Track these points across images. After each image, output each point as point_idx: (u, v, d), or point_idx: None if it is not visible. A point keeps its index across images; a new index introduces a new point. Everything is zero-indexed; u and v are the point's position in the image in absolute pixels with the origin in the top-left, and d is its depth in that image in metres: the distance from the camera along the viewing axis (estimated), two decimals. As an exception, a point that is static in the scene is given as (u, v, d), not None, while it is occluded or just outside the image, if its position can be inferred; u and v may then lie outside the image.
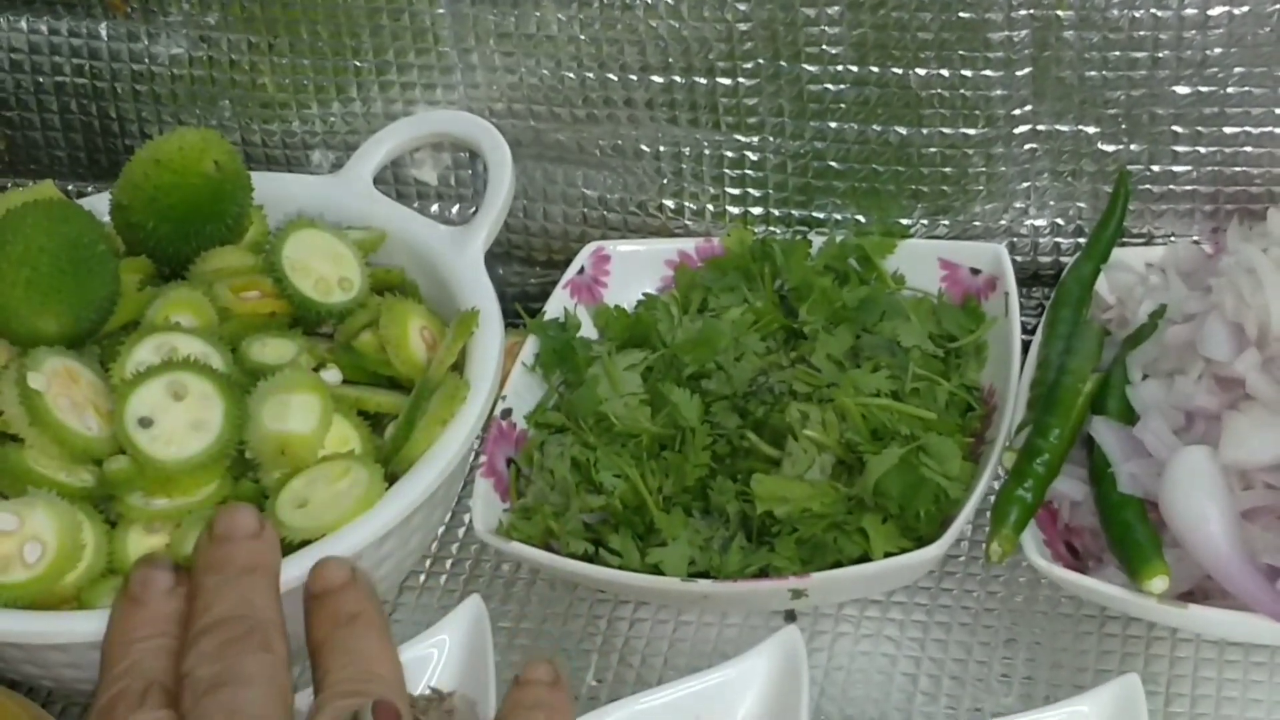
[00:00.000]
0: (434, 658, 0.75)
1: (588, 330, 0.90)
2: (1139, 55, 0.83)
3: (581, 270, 0.92)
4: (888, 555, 0.76)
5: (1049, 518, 0.77)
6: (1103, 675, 0.75)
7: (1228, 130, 0.84)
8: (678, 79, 0.90)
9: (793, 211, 0.93)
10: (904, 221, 0.91)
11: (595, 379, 0.84)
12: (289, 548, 0.71)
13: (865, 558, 0.77)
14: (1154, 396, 0.76)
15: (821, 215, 0.93)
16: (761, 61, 0.88)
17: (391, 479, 0.75)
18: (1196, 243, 0.87)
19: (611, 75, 0.90)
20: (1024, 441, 0.77)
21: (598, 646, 0.82)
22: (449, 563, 0.87)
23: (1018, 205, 0.90)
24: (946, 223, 0.91)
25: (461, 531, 0.87)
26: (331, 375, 0.80)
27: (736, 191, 0.93)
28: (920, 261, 0.90)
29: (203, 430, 0.73)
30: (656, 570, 0.78)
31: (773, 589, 0.76)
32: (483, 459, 0.83)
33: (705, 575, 0.78)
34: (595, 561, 0.79)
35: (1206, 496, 0.70)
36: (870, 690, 0.77)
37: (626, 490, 0.80)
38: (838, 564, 0.77)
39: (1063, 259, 0.90)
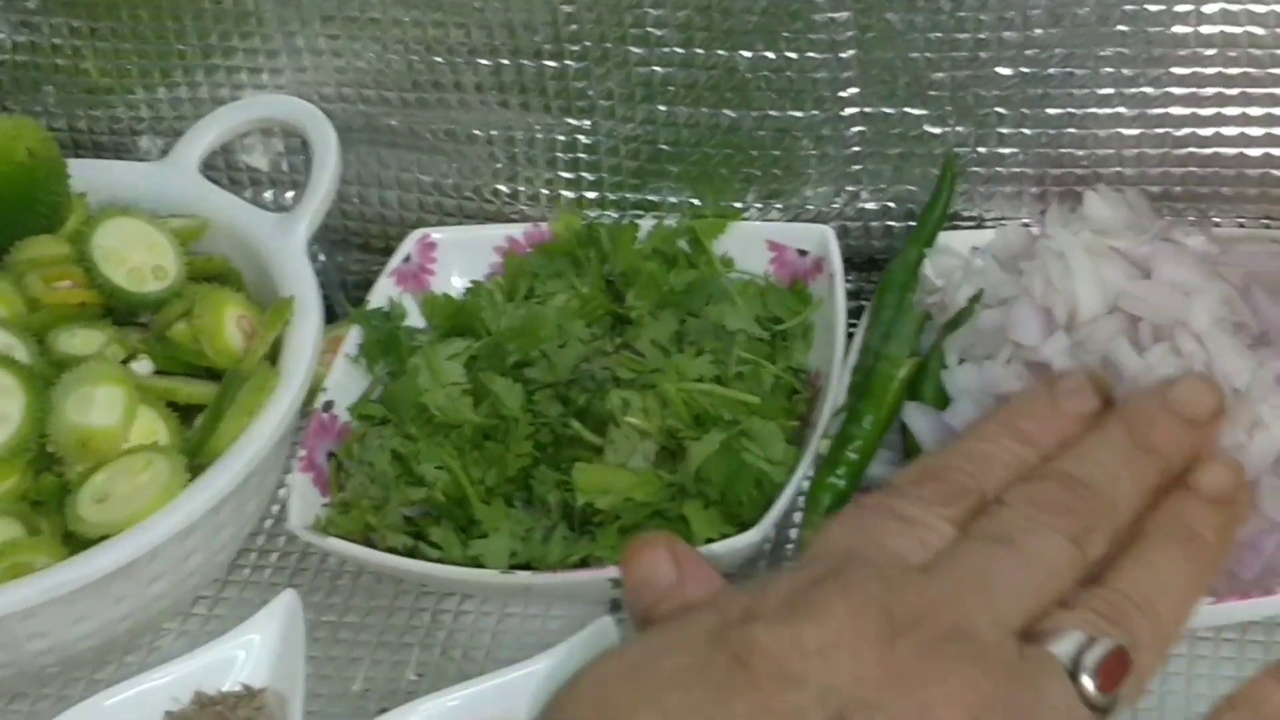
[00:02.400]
0: (246, 653, 0.75)
1: (416, 319, 0.89)
2: (961, 37, 0.82)
3: (408, 258, 0.90)
4: (709, 542, 0.75)
5: (868, 504, 0.76)
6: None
7: (1051, 111, 0.84)
8: (505, 62, 0.88)
9: (627, 195, 0.92)
10: (738, 205, 0.91)
11: (416, 369, 0.82)
12: (87, 542, 0.69)
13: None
14: (967, 381, 0.75)
15: (656, 198, 0.92)
16: (588, 44, 0.87)
17: (200, 472, 0.73)
18: (1026, 225, 0.87)
19: (438, 59, 0.89)
20: (838, 428, 0.77)
21: (420, 640, 0.81)
22: (274, 556, 0.86)
23: (849, 188, 0.89)
24: (780, 206, 0.91)
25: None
26: (142, 366, 0.79)
27: (570, 175, 0.92)
28: (749, 244, 0.89)
29: (2, 423, 0.72)
30: (477, 563, 0.77)
31: (593, 579, 0.75)
32: (302, 453, 0.81)
33: (527, 567, 0.77)
34: (415, 555, 0.78)
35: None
36: (692, 679, 0.77)
37: (448, 482, 0.79)
38: (659, 552, 0.76)
39: (896, 243, 0.90)
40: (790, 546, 0.81)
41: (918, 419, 0.75)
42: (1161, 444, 0.56)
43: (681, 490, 0.77)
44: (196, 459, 0.74)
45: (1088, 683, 0.48)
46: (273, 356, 0.80)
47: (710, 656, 0.46)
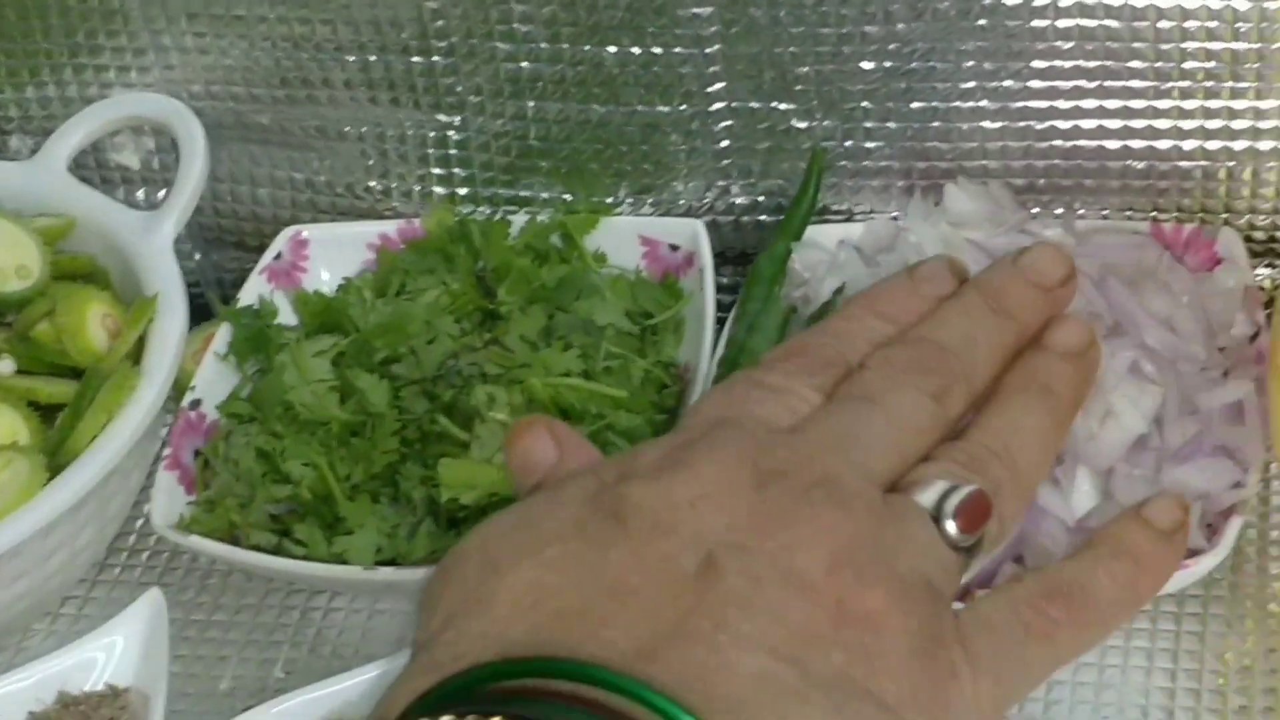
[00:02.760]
0: (109, 653, 0.74)
1: (288, 317, 0.89)
2: (825, 31, 0.83)
3: (279, 256, 0.90)
4: (574, 537, 0.76)
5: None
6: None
7: (915, 105, 0.84)
8: (373, 59, 0.88)
9: (499, 191, 0.92)
10: (609, 200, 0.91)
11: (283, 367, 0.82)
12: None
13: (552, 540, 0.76)
14: (827, 373, 0.75)
15: (528, 194, 0.92)
16: (455, 40, 0.87)
17: (60, 471, 0.73)
18: (895, 218, 0.87)
19: (306, 55, 0.89)
20: (701, 421, 0.77)
21: (289, 638, 0.80)
22: (144, 555, 0.85)
23: (719, 183, 0.90)
24: (651, 201, 0.91)
25: (157, 524, 0.85)
26: (4, 366, 0.78)
27: (441, 172, 0.92)
28: (621, 239, 0.89)
29: None
30: (342, 559, 0.77)
31: (455, 575, 0.75)
32: (167, 451, 0.81)
33: (393, 563, 0.77)
34: (280, 553, 0.77)
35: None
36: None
37: (313, 479, 0.79)
38: (524, 547, 0.76)
39: (767, 236, 0.90)
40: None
41: (778, 411, 0.75)
42: (1015, 308, 0.57)
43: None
44: (56, 458, 0.74)
45: (950, 525, 0.50)
46: (139, 355, 0.80)
47: (587, 513, 0.48)
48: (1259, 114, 0.81)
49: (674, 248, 0.88)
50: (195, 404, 0.83)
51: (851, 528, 0.48)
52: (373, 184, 0.93)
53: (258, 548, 0.77)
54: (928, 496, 0.50)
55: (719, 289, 0.86)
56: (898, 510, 0.50)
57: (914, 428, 0.53)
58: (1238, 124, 0.82)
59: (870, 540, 0.48)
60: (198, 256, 0.98)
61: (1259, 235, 0.85)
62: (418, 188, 0.93)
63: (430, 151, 0.92)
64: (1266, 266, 0.86)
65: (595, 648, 0.44)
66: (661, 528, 0.47)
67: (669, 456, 0.50)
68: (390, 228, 0.91)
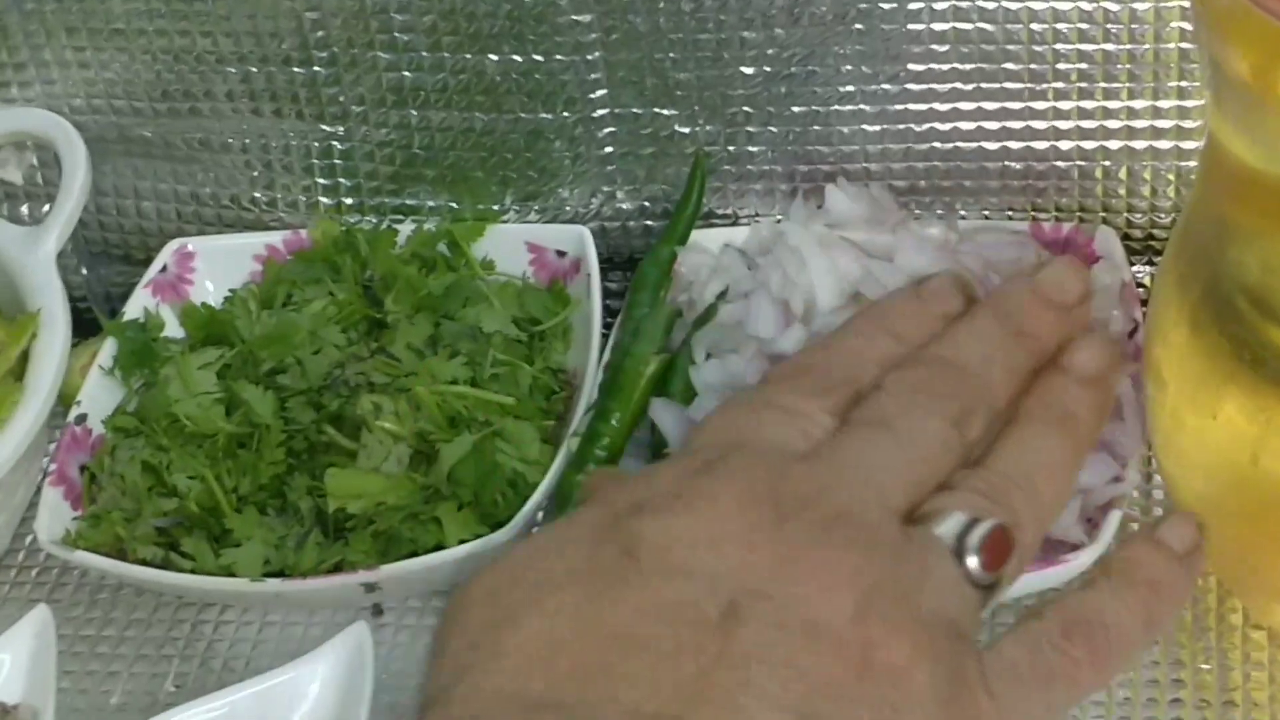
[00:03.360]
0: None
1: (175, 330, 0.89)
2: (704, 37, 0.83)
3: (165, 269, 0.90)
4: (463, 543, 0.76)
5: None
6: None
7: (795, 109, 0.85)
8: (254, 70, 0.88)
9: (385, 200, 0.93)
10: (496, 207, 0.91)
11: (167, 380, 0.82)
12: None
13: (441, 547, 0.76)
14: (712, 377, 0.76)
15: (414, 203, 0.92)
16: (336, 50, 0.87)
17: (-58, 490, 0.73)
18: (779, 221, 0.88)
19: (186, 68, 0.89)
20: (587, 425, 0.77)
21: (179, 652, 0.80)
22: (34, 572, 0.85)
23: (605, 188, 0.90)
24: (538, 207, 0.91)
25: (44, 540, 0.85)
26: (-116, 385, 0.78)
27: (327, 182, 0.92)
28: (509, 246, 0.89)
29: None
30: (230, 572, 0.77)
31: (343, 584, 0.75)
32: (52, 466, 0.81)
33: (282, 574, 0.77)
34: (167, 566, 0.77)
35: (755, 474, 0.70)
36: (451, 681, 0.77)
37: (200, 492, 0.79)
38: (414, 554, 0.76)
39: (654, 241, 0.90)
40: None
41: (664, 415, 0.76)
42: (1030, 328, 0.57)
43: (436, 492, 0.77)
44: (-63, 477, 0.73)
45: (973, 562, 0.48)
46: (21, 371, 0.79)
47: (597, 553, 0.46)
48: (1132, 113, 0.82)
49: (561, 254, 0.89)
50: (81, 419, 0.83)
51: (875, 570, 0.46)
52: (257, 195, 0.93)
53: (145, 562, 0.77)
54: (948, 529, 0.49)
55: (606, 294, 0.87)
56: (918, 545, 0.48)
57: (932, 454, 0.51)
58: (1112, 124, 0.83)
59: (893, 582, 0.46)
60: (83, 271, 0.97)
61: (1136, 234, 0.86)
62: (303, 198, 0.93)
63: (315, 162, 0.92)
64: (1144, 264, 0.87)
65: (616, 713, 0.42)
66: (678, 569, 0.45)
67: (683, 484, 0.48)
68: (276, 239, 0.91)
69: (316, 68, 0.88)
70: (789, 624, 0.44)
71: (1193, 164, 0.83)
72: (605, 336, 0.84)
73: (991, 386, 0.54)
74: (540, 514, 0.78)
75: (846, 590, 0.45)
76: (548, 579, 0.46)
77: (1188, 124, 0.82)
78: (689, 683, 0.43)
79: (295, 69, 0.88)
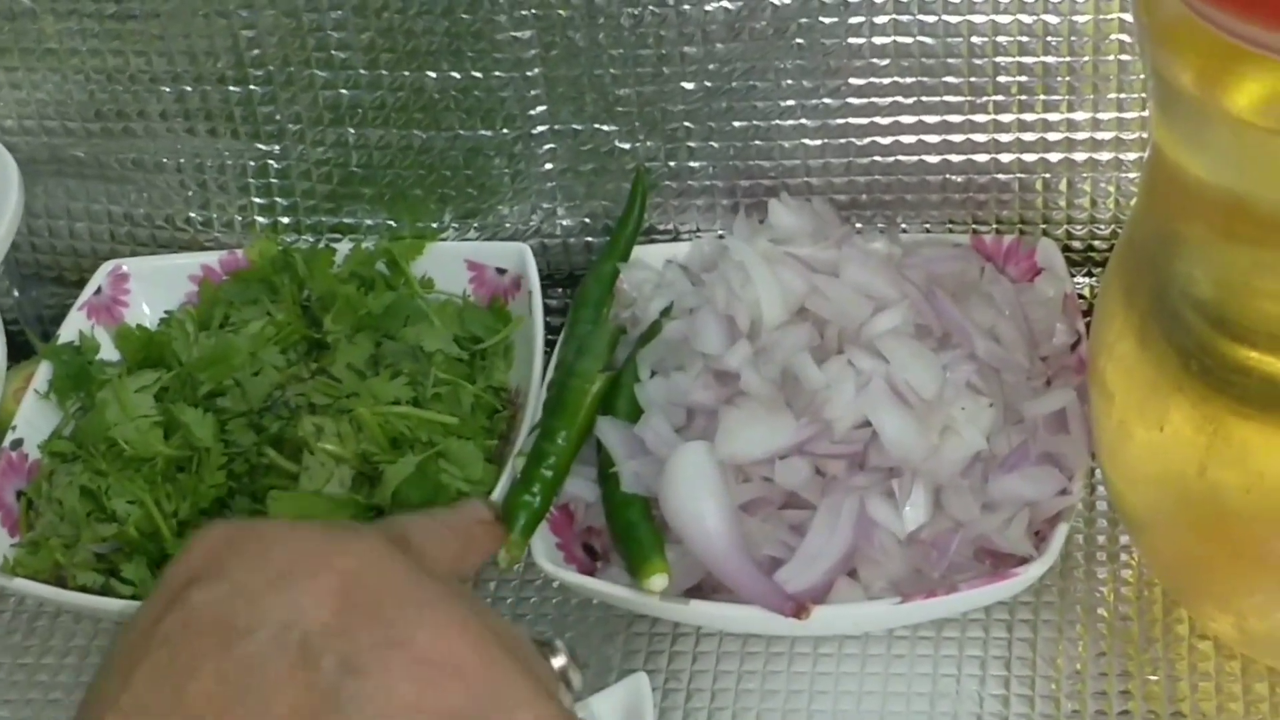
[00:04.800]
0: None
1: (110, 353, 0.87)
2: (644, 53, 0.83)
3: (99, 290, 0.89)
4: (407, 567, 0.75)
5: (565, 519, 0.77)
6: (625, 674, 0.75)
7: (736, 124, 0.85)
8: (189, 89, 0.87)
9: (323, 219, 0.92)
10: (435, 225, 0.91)
11: (105, 403, 0.81)
12: None
13: (385, 570, 0.75)
14: (657, 394, 0.76)
15: (352, 221, 0.91)
16: (272, 68, 0.86)
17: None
18: (721, 237, 0.88)
19: (120, 87, 0.88)
20: (532, 445, 0.77)
21: (119, 678, 0.79)
22: (-29, 600, 0.84)
23: (545, 205, 0.90)
24: (477, 225, 0.91)
25: (-21, 568, 0.83)
26: None
27: (263, 201, 0.91)
28: (448, 264, 0.89)
29: None
30: (171, 596, 0.75)
31: (287, 609, 0.74)
32: (-12, 492, 0.80)
33: (224, 598, 0.76)
34: (107, 592, 0.76)
35: (703, 493, 0.70)
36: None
37: (140, 516, 0.78)
38: (358, 578, 0.75)
39: (595, 258, 0.90)
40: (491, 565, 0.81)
41: (610, 433, 0.75)
42: None
43: (380, 514, 0.77)
44: None
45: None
46: (-45, 397, 0.78)
47: (161, 638, 0.44)
48: (1072, 126, 0.83)
49: (501, 271, 0.88)
50: (16, 444, 0.82)
51: (442, 588, 0.48)
52: (193, 215, 0.92)
53: (84, 588, 0.76)
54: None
55: (549, 311, 0.86)
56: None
57: None
58: (1052, 136, 0.83)
59: (465, 603, 0.48)
60: (15, 294, 0.96)
61: (1077, 245, 0.87)
62: (239, 218, 0.92)
63: (251, 181, 0.91)
64: (1084, 276, 0.87)
65: None
66: (236, 630, 0.44)
67: (236, 543, 0.47)
68: (212, 259, 0.90)
69: (252, 86, 0.87)
70: (362, 653, 0.44)
71: (1132, 175, 0.84)
72: (547, 354, 0.83)
73: None
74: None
75: (422, 609, 0.46)
76: (119, 677, 0.44)
77: (1127, 135, 0.82)
78: None
79: (231, 87, 0.87)
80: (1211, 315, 0.63)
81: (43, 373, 0.85)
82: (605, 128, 0.86)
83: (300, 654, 0.43)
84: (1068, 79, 0.81)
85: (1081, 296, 0.86)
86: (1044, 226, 0.86)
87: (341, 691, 0.43)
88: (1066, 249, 0.86)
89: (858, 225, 0.87)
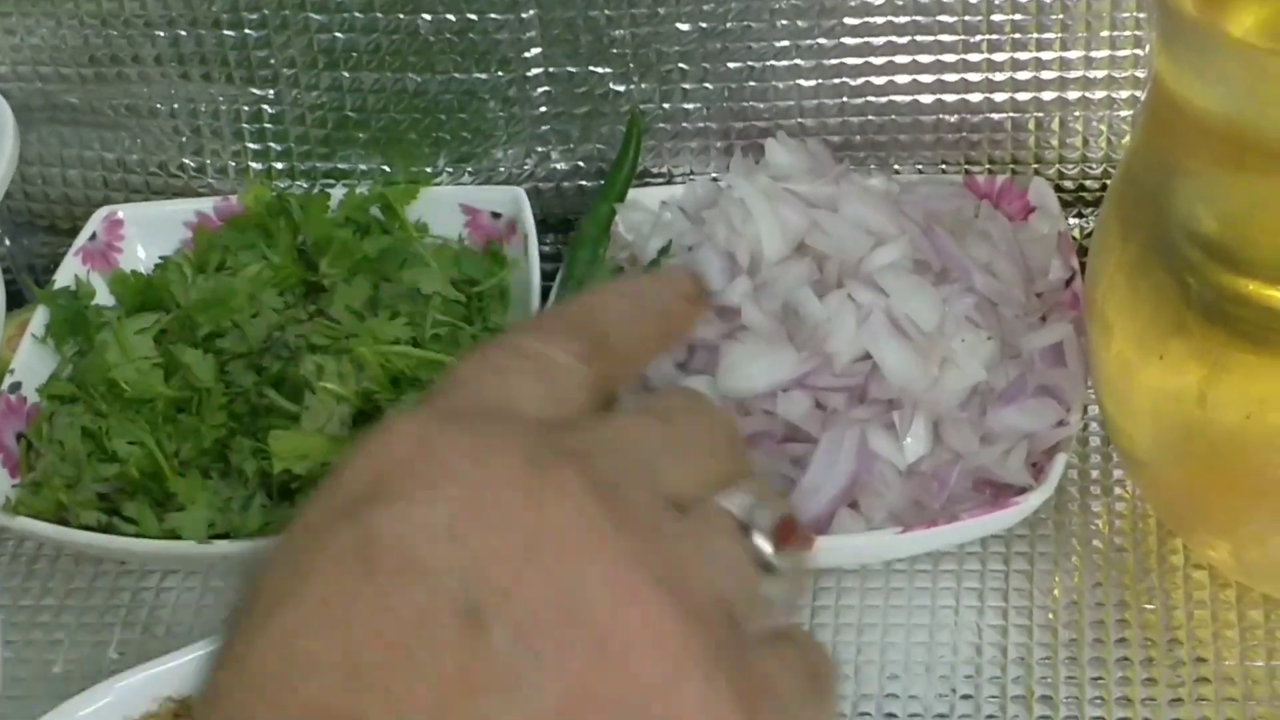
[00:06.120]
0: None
1: (106, 298, 0.88)
2: (639, -7, 0.84)
3: (94, 236, 0.89)
4: (409, 504, 0.75)
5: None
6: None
7: (731, 66, 0.85)
8: (183, 33, 0.87)
9: (317, 164, 0.92)
10: (429, 170, 0.91)
11: (104, 345, 0.81)
12: None
13: (389, 507, 0.76)
14: (658, 330, 0.76)
15: (346, 166, 0.92)
16: (267, 12, 0.86)
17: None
18: (715, 179, 0.88)
19: (115, 32, 0.88)
20: (533, 382, 0.77)
21: (121, 619, 0.79)
22: (-31, 544, 0.84)
23: (539, 149, 0.90)
24: (471, 169, 0.91)
25: (-22, 512, 0.84)
26: None
27: (257, 147, 0.92)
28: (442, 208, 0.89)
29: None
30: (174, 535, 0.76)
31: (290, 546, 0.75)
32: (-11, 435, 0.80)
33: (227, 537, 0.76)
34: (110, 531, 0.76)
35: (706, 426, 0.70)
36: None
37: (142, 456, 0.78)
38: (360, 516, 0.75)
39: (589, 202, 0.90)
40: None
41: (610, 369, 0.76)
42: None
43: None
44: None
45: (761, 539, 0.44)
46: (-46, 340, 0.78)
47: (335, 549, 0.40)
48: (1065, 64, 0.83)
49: (496, 215, 0.88)
50: (15, 387, 0.82)
51: (638, 551, 0.41)
52: (187, 161, 0.92)
53: (87, 527, 0.76)
54: (735, 504, 0.44)
55: (544, 256, 0.86)
56: (696, 523, 0.44)
57: (713, 456, 0.46)
58: (1045, 75, 0.84)
59: (663, 561, 0.41)
60: (7, 242, 0.96)
61: (1068, 185, 0.87)
62: (233, 164, 0.92)
63: (245, 126, 0.91)
64: (1075, 216, 0.88)
65: None
66: (413, 569, 0.40)
67: (425, 456, 0.42)
68: (207, 205, 0.90)
69: (246, 30, 0.87)
70: (537, 625, 0.40)
71: (1124, 114, 0.84)
72: (543, 298, 0.84)
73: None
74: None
75: (608, 581, 0.41)
76: (293, 573, 0.40)
77: (1119, 74, 0.83)
78: (429, 712, 0.39)
79: (225, 31, 0.87)
80: (1211, 247, 0.64)
81: (39, 317, 0.85)
82: (600, 70, 0.87)
83: (472, 617, 0.40)
84: (1060, 17, 0.82)
85: (1073, 237, 0.86)
86: (1036, 166, 0.87)
87: (512, 669, 0.40)
88: (1058, 188, 0.86)
89: (852, 167, 0.87)
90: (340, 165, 0.91)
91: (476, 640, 0.39)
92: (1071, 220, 0.88)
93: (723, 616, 0.42)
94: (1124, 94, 0.83)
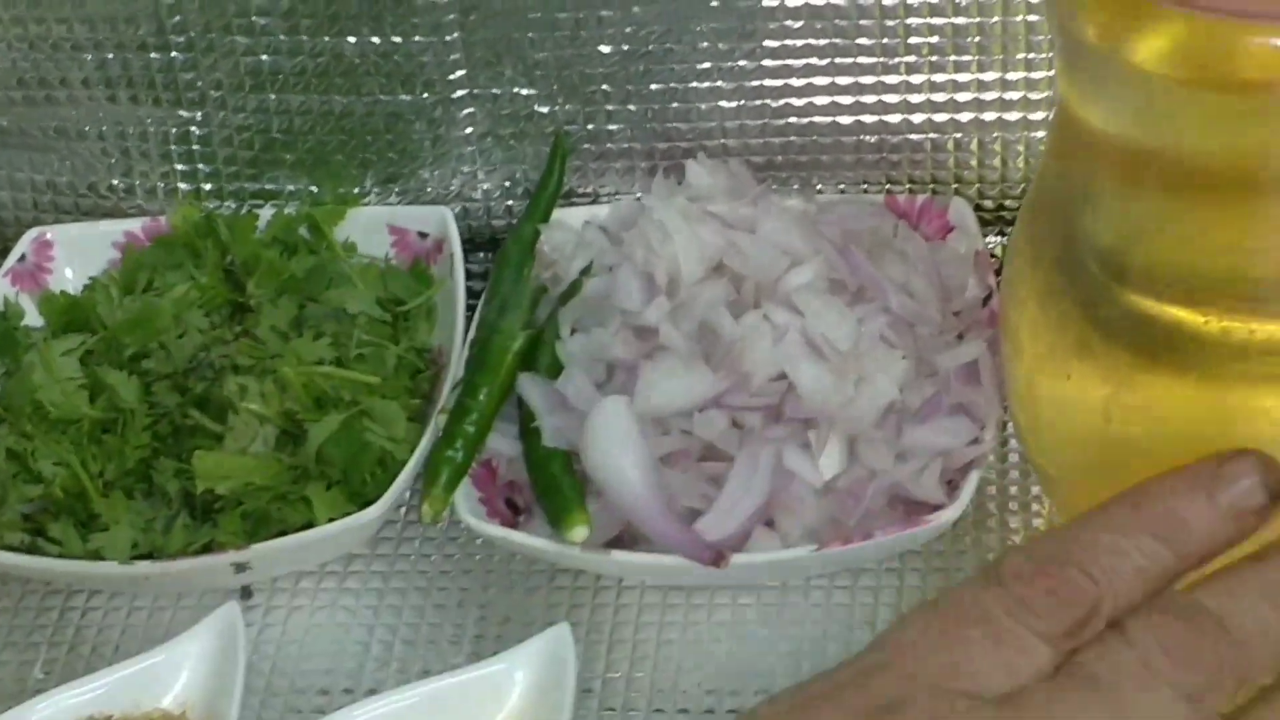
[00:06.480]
0: None
1: (35, 319, 0.88)
2: (562, 16, 0.84)
3: (23, 258, 0.89)
4: (331, 521, 0.76)
5: (488, 475, 0.78)
6: (548, 628, 0.76)
7: (654, 87, 0.86)
8: (110, 56, 0.88)
9: (245, 185, 0.92)
10: (356, 190, 0.91)
11: (31, 366, 0.81)
12: None
13: (310, 526, 0.76)
14: (578, 350, 0.77)
15: (275, 187, 0.92)
16: (193, 35, 0.87)
17: None
18: (639, 199, 0.89)
19: (42, 55, 0.88)
20: (454, 401, 0.78)
21: (47, 638, 0.79)
22: (-105, 565, 0.84)
23: (465, 170, 0.91)
24: (399, 189, 0.91)
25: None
26: None
27: (185, 168, 0.92)
28: (370, 228, 0.90)
29: None
30: (98, 555, 0.76)
31: (213, 564, 0.75)
32: (-87, 457, 0.80)
33: (150, 557, 0.77)
34: (34, 552, 0.77)
35: (623, 446, 0.71)
36: (322, 661, 0.77)
37: (66, 477, 0.78)
38: (283, 534, 0.76)
39: (516, 221, 0.91)
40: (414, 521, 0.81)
41: (531, 389, 0.77)
42: None
43: (304, 472, 0.78)
44: None
45: None
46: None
47: None
48: (982, 86, 0.84)
49: (423, 235, 0.89)
50: (-59, 410, 0.82)
51: None
52: (115, 182, 0.93)
53: (11, 548, 0.77)
54: None
55: (469, 276, 0.87)
56: None
57: None
58: (962, 96, 0.85)
59: None
60: (-64, 264, 0.97)
61: (988, 204, 0.88)
62: (162, 185, 0.93)
63: (173, 148, 0.91)
64: (997, 235, 0.89)
65: None
66: None
67: None
68: (136, 225, 0.91)
69: (173, 53, 0.88)
70: None
71: (1041, 134, 0.85)
72: (469, 316, 0.84)
73: (1258, 659, 0.45)
74: (408, 493, 0.79)
75: None
76: None
77: (1035, 95, 0.84)
78: None
79: (152, 54, 0.88)
80: (1114, 266, 0.65)
81: (-33, 338, 0.85)
82: (524, 91, 0.87)
83: None
84: (977, 39, 0.83)
85: (994, 255, 0.87)
86: (956, 186, 0.88)
87: None
88: (979, 208, 0.87)
89: (774, 186, 0.88)
90: (268, 186, 0.92)
91: None
92: (992, 239, 0.89)
93: None
94: (1040, 115, 0.85)
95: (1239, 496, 0.48)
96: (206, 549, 0.76)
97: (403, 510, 0.81)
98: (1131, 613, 0.45)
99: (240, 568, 0.76)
